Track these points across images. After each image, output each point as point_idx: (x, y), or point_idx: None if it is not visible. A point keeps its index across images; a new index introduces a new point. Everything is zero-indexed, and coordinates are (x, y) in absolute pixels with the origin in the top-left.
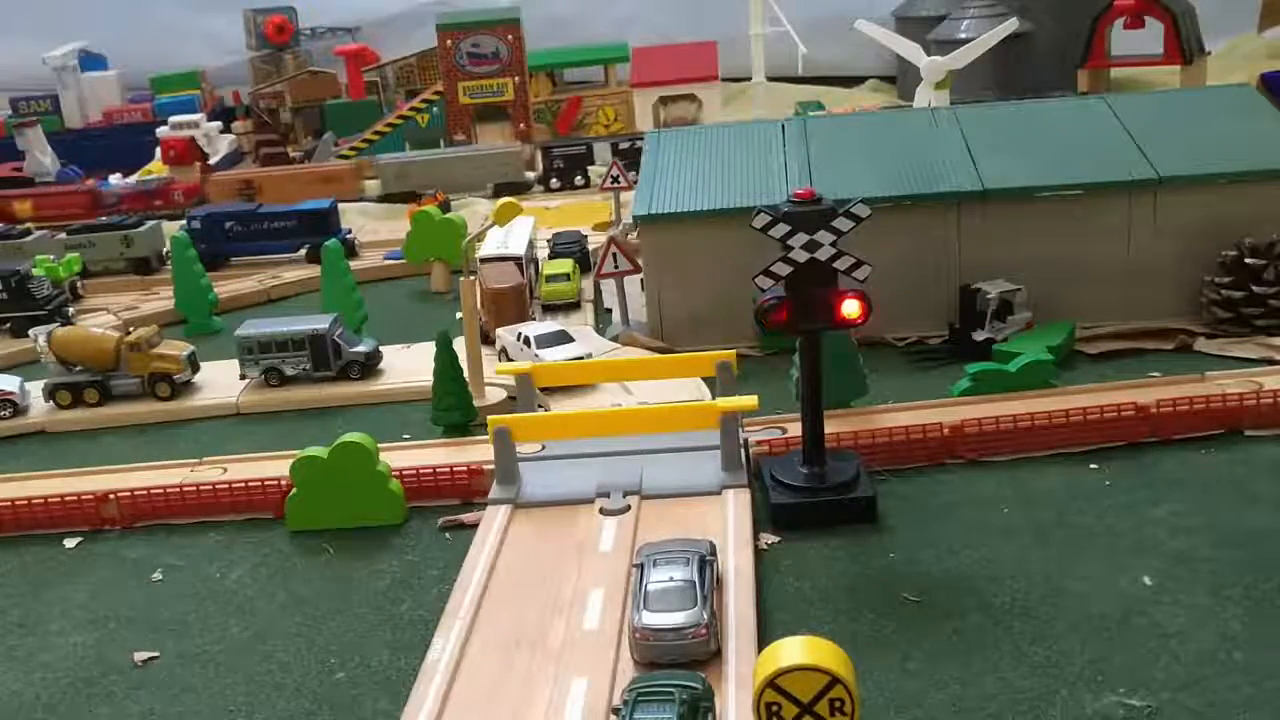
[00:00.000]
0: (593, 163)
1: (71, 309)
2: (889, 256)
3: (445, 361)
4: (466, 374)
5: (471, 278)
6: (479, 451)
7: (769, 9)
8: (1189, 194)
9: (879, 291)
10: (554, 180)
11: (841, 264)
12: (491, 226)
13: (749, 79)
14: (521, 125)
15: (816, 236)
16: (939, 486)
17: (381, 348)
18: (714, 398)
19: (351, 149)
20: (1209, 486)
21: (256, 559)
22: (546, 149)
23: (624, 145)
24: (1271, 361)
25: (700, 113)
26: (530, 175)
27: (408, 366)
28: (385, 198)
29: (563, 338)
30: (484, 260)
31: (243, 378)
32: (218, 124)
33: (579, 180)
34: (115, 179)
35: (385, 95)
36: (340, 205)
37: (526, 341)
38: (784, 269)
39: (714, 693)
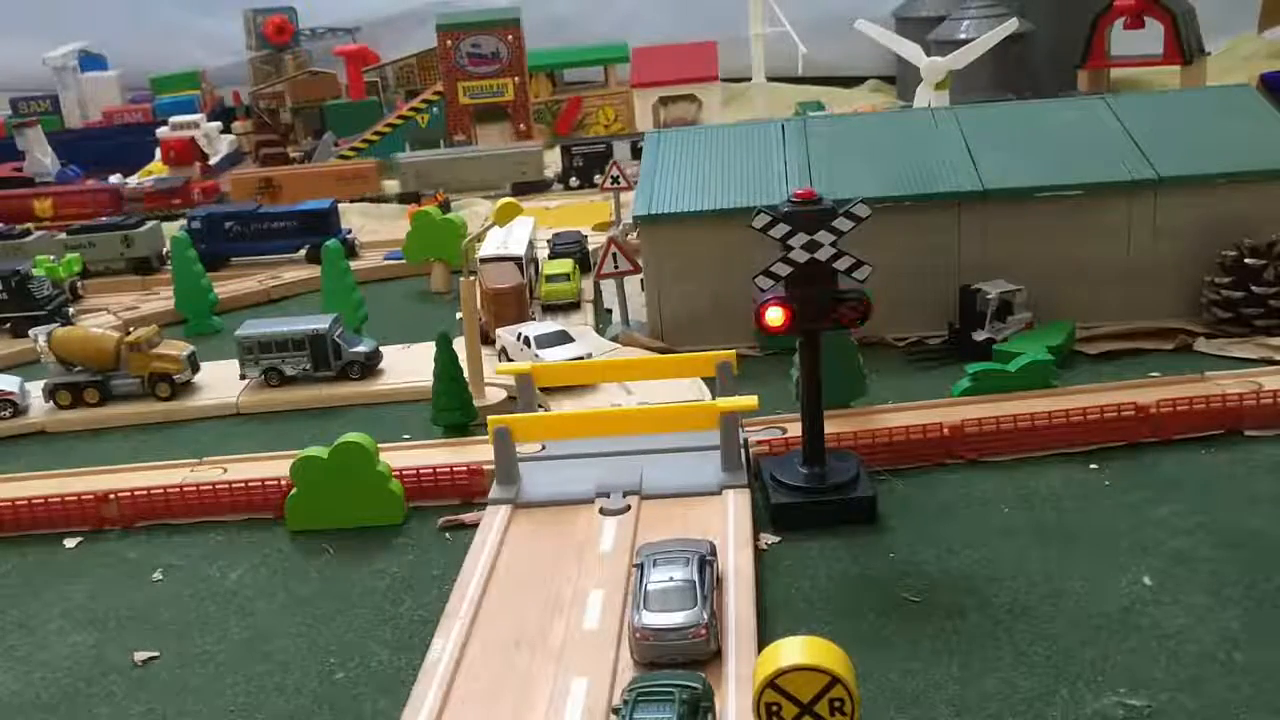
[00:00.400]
0: None
1: (71, 309)
2: (889, 256)
3: (445, 361)
4: (466, 374)
5: (471, 278)
6: (479, 451)
7: (769, 9)
8: (1189, 194)
9: (879, 291)
10: (574, 179)
11: (841, 264)
12: (491, 226)
13: (749, 79)
14: (521, 126)
15: (816, 236)
16: (939, 486)
17: (381, 348)
18: (714, 398)
19: (352, 149)
20: (1209, 486)
21: (256, 559)
22: (566, 148)
23: (643, 145)
24: (1271, 361)
25: (700, 113)
26: (549, 174)
27: (408, 366)
28: (404, 197)
29: (563, 338)
30: (484, 260)
31: (243, 378)
32: (218, 124)
33: (599, 179)
34: (115, 179)
35: (385, 95)
36: (342, 205)
37: (526, 341)
38: (784, 269)
39: (714, 693)
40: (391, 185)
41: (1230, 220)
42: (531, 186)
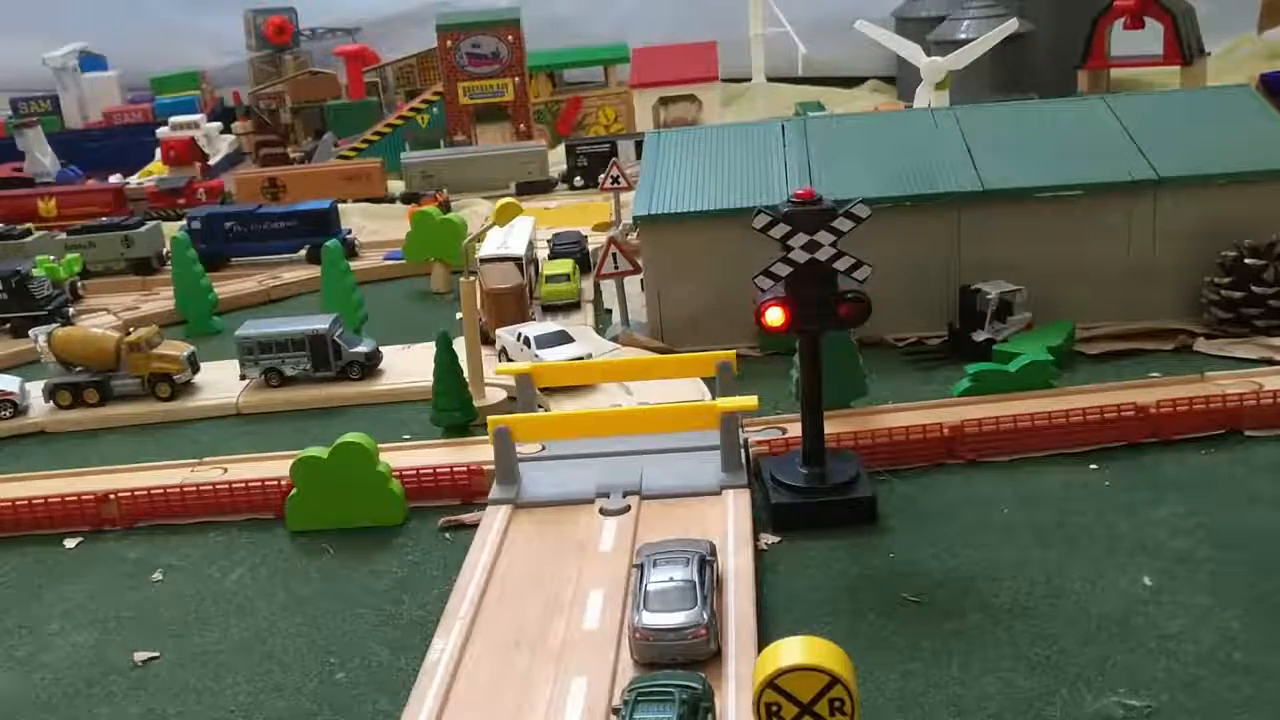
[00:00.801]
0: None
1: (71, 309)
2: (889, 256)
3: (445, 361)
4: (466, 374)
5: (471, 278)
6: (479, 451)
7: (769, 9)
8: (1189, 194)
9: (879, 291)
10: (578, 179)
11: (841, 264)
12: (491, 226)
13: (749, 79)
14: (521, 126)
15: (816, 237)
16: (939, 486)
17: (381, 348)
18: (714, 398)
19: (352, 149)
20: (1209, 486)
21: (256, 559)
22: (571, 147)
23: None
24: (1271, 361)
25: (700, 113)
26: (554, 174)
27: (408, 366)
28: (406, 197)
29: (563, 338)
30: (484, 260)
31: (243, 378)
32: (218, 124)
33: (602, 178)
34: (115, 179)
35: (385, 96)
36: (342, 205)
37: (526, 342)
38: (784, 269)
39: (714, 693)
40: (397, 185)
41: (1230, 220)
42: (536, 186)
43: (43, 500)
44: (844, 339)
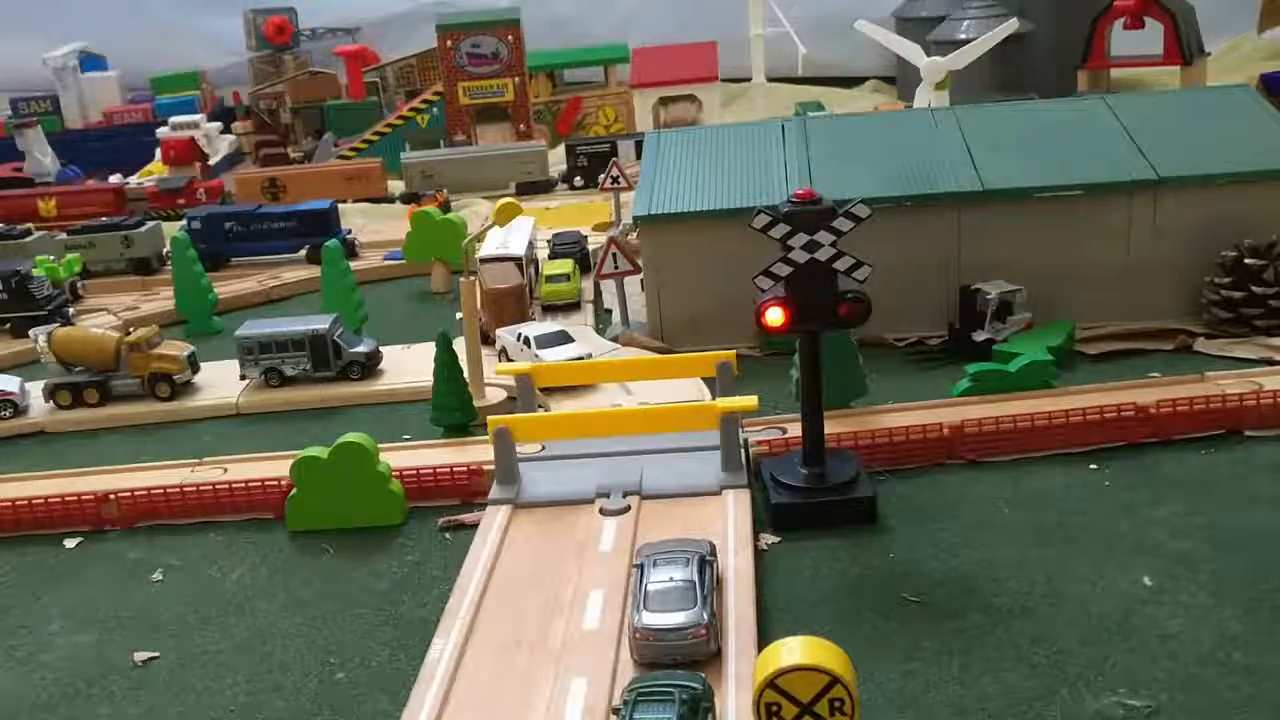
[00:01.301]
0: None
1: (71, 309)
2: (889, 256)
3: (445, 361)
4: (466, 374)
5: (471, 278)
6: (479, 451)
7: (769, 9)
8: (1189, 194)
9: (879, 291)
10: (578, 179)
11: (841, 264)
12: (491, 226)
13: (749, 79)
14: (521, 126)
15: (816, 237)
16: (939, 486)
17: (381, 348)
18: (714, 398)
19: (352, 149)
20: (1209, 486)
21: (256, 559)
22: (571, 147)
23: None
24: (1271, 361)
25: (700, 113)
26: (554, 174)
27: (408, 366)
28: (406, 197)
29: (563, 338)
30: (484, 260)
31: (243, 378)
32: (218, 124)
33: (602, 178)
34: (115, 179)
35: (385, 96)
36: (342, 205)
37: (526, 342)
38: (784, 269)
39: (714, 693)
40: (397, 185)
41: (1230, 220)
42: (536, 186)
43: (43, 500)
44: (844, 339)
